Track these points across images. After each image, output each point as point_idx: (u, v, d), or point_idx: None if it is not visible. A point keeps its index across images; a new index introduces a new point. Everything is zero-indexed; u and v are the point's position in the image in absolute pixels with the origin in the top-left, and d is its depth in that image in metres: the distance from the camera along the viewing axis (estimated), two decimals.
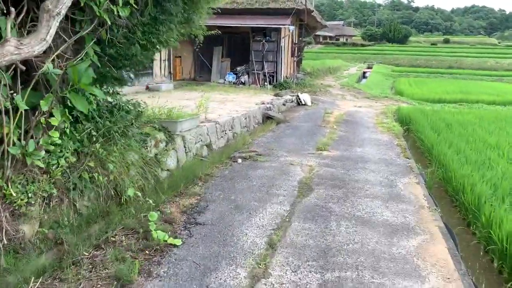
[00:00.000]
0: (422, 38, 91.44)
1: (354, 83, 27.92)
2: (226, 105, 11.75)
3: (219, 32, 17.38)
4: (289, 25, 18.53)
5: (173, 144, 6.53)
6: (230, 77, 20.16)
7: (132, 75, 5.38)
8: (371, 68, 46.65)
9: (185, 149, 6.99)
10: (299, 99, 16.19)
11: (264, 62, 19.35)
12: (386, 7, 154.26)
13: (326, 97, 19.50)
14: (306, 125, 11.47)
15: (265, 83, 19.25)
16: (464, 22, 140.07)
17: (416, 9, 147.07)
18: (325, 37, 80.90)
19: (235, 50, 20.68)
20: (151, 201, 4.51)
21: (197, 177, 6.18)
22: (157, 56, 17.99)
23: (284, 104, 14.42)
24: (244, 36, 19.92)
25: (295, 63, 23.61)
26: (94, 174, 4.31)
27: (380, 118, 13.48)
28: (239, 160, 7.29)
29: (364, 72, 42.02)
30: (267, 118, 11.75)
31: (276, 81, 19.50)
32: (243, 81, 19.80)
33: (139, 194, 4.48)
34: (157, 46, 4.88)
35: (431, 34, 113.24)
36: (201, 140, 7.67)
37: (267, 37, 19.35)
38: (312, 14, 20.37)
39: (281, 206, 5.26)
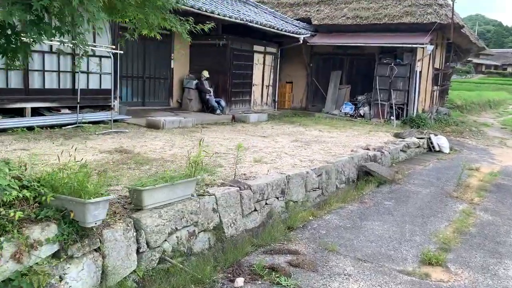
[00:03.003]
0: None
1: None
2: (306, 150, 8.14)
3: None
4: (426, 44, 14.03)
5: (90, 245, 3.24)
6: (348, 108, 16.32)
7: None
8: None
9: (139, 248, 3.66)
10: (431, 143, 11.62)
11: (392, 90, 15.09)
12: None
13: (476, 141, 14.32)
14: (425, 192, 7.16)
15: (391, 117, 14.95)
16: None
17: None
18: (489, 66, 70.32)
19: (357, 76, 16.82)
20: None
21: None
22: (257, 81, 15.20)
23: (403, 151, 10.12)
24: (369, 58, 15.99)
25: (436, 93, 18.66)
26: None
27: None
28: (239, 282, 3.64)
29: None
30: (365, 173, 7.78)
31: (407, 115, 15.06)
32: (362, 114, 15.79)
33: None
34: None
35: None
36: (195, 223, 4.25)
37: (398, 60, 15.10)
38: (462, 31, 15.46)
39: None
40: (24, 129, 8.06)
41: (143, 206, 3.84)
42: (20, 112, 8.86)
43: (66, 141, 7.43)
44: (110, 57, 10.49)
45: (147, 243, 3.74)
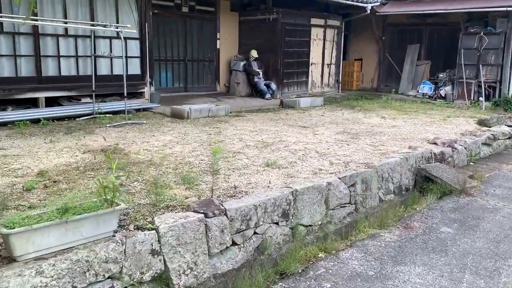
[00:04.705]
0: None
1: None
2: (348, 146, 6.36)
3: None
4: None
5: None
6: (426, 88, 13.88)
7: None
8: None
9: None
10: None
11: (480, 66, 12.39)
12: None
13: None
14: (509, 209, 5.08)
15: (480, 99, 12.34)
16: None
17: None
18: None
19: (439, 50, 14.26)
20: None
21: None
22: (316, 59, 13.37)
23: (487, 144, 7.83)
24: (453, 28, 13.39)
25: None
26: None
27: None
28: None
29: None
30: (424, 178, 5.83)
31: (499, 95, 12.32)
32: (443, 94, 13.28)
33: None
34: None
35: None
36: (116, 275, 2.86)
37: (489, 28, 12.34)
38: None
39: None
40: (27, 122, 7.26)
41: (16, 256, 2.54)
42: (36, 103, 8.15)
43: (63, 136, 6.46)
44: (137, 38, 9.46)
45: None
